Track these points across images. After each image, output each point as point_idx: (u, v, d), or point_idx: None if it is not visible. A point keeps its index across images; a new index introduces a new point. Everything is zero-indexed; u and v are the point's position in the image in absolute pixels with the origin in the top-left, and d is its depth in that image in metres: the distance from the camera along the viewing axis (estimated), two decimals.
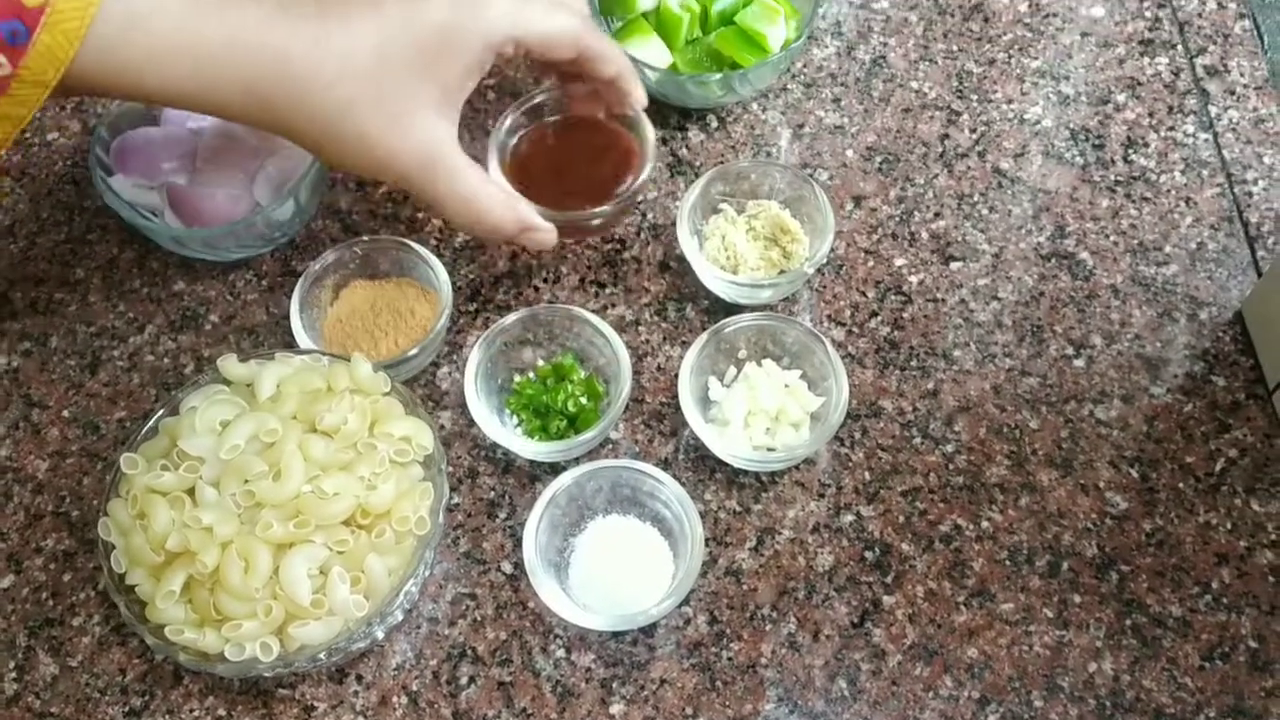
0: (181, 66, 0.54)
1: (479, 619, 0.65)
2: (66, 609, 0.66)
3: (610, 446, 0.70)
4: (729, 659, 0.63)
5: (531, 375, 0.71)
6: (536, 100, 0.74)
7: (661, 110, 0.82)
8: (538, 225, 0.66)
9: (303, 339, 0.69)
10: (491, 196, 0.63)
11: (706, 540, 0.65)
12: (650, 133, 0.72)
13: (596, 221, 0.73)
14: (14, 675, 0.64)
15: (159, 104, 0.59)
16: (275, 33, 0.55)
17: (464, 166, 0.61)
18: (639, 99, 0.69)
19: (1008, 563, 0.65)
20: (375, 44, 0.57)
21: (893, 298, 0.74)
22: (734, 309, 0.73)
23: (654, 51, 0.78)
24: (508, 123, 0.74)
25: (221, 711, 0.63)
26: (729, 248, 0.72)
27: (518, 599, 0.65)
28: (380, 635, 0.62)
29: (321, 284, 0.72)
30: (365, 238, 0.73)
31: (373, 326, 0.71)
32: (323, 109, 0.57)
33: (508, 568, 0.66)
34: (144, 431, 0.64)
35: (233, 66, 0.55)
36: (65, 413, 0.72)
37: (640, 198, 0.76)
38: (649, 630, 0.64)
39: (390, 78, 0.57)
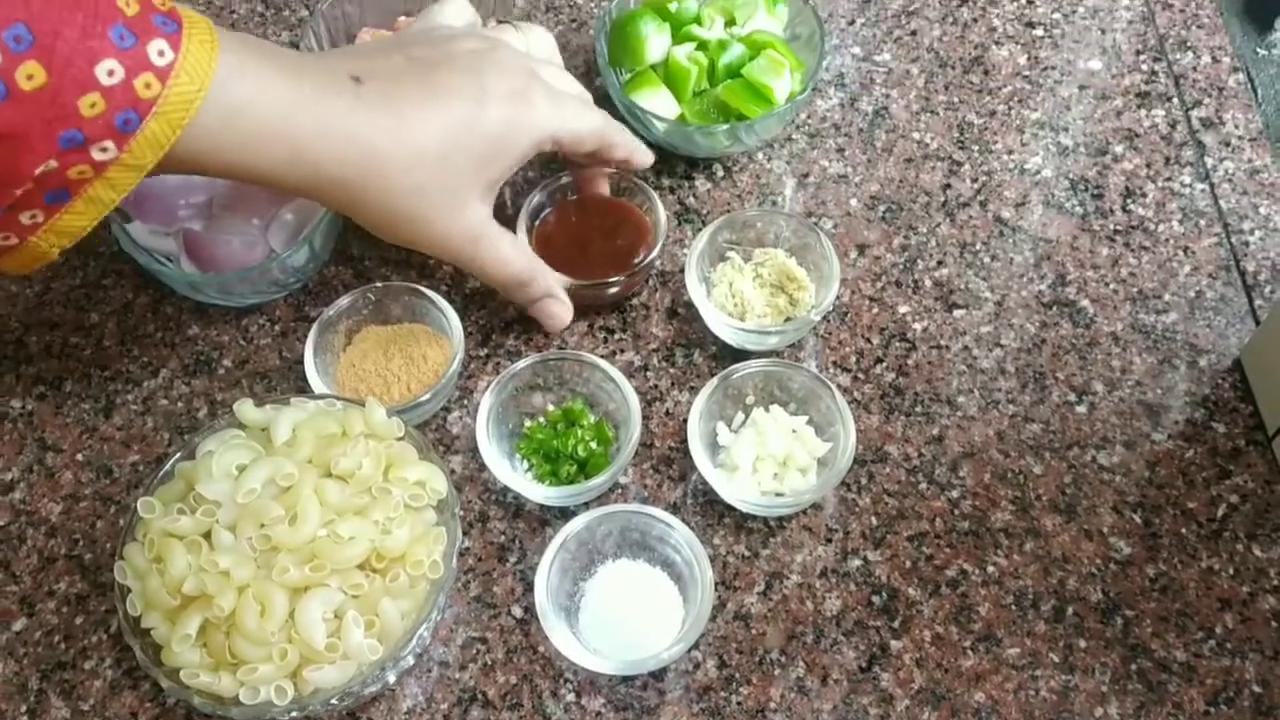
0: (277, 153, 0.58)
1: (489, 663, 0.65)
2: (79, 652, 0.66)
3: (619, 491, 0.70)
4: (738, 703, 0.63)
5: (542, 420, 0.72)
6: (561, 182, 0.78)
7: (669, 159, 0.83)
8: (558, 294, 0.74)
9: (317, 384, 0.70)
10: (521, 260, 0.71)
11: (715, 584, 0.66)
12: (662, 213, 0.76)
13: (613, 290, 0.75)
14: (25, 719, 0.64)
15: (246, 182, 0.62)
16: (360, 123, 0.60)
17: (499, 241, 0.69)
18: (644, 163, 0.76)
19: (1013, 607, 0.66)
20: (443, 138, 0.63)
21: (897, 344, 0.75)
22: (741, 355, 0.74)
23: (662, 102, 0.79)
24: (534, 202, 0.77)
25: None
26: (736, 295, 0.73)
27: (528, 643, 0.66)
28: (392, 679, 0.63)
29: (335, 329, 0.73)
30: (378, 284, 0.74)
31: (385, 371, 0.72)
32: (398, 191, 0.63)
33: (518, 611, 0.67)
34: (160, 475, 0.64)
35: (324, 154, 0.59)
36: (79, 456, 0.73)
37: (653, 269, 0.79)
38: (659, 674, 0.64)
39: (453, 168, 0.64)
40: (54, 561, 0.69)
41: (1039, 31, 0.90)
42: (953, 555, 0.67)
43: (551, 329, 0.75)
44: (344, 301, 0.73)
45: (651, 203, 0.76)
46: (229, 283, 0.73)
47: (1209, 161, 0.82)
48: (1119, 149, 0.83)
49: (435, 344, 0.73)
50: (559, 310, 0.74)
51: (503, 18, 0.82)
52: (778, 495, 0.68)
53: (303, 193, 0.62)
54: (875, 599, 0.66)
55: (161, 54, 0.52)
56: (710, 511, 0.69)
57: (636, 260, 0.74)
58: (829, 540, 0.68)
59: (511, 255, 0.70)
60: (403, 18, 0.85)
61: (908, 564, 0.67)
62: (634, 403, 0.69)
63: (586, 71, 0.89)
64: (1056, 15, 0.91)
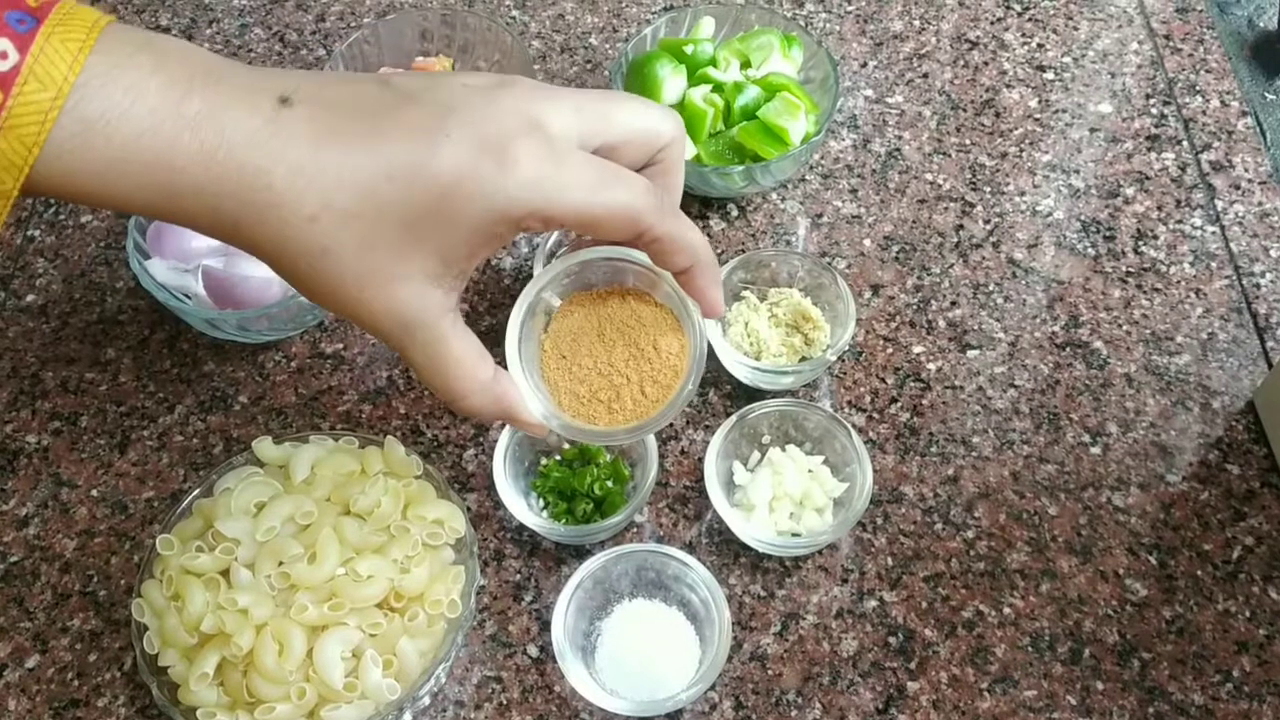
0: (146, 179, 0.46)
1: (505, 703, 0.65)
2: (92, 690, 0.66)
3: (635, 530, 0.70)
4: None
5: (558, 458, 0.72)
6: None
7: (684, 200, 0.83)
8: (522, 419, 0.54)
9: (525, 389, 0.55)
10: (471, 375, 0.52)
11: (731, 624, 0.66)
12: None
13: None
14: None
15: (129, 213, 0.52)
16: (258, 152, 0.47)
17: (446, 336, 0.51)
18: (713, 305, 0.55)
19: (1030, 649, 0.65)
20: (365, 186, 0.47)
21: (912, 384, 0.75)
22: (757, 394, 0.74)
23: None
24: (551, 240, 0.74)
25: None
26: (752, 334, 0.74)
27: (544, 682, 0.65)
28: (407, 719, 0.63)
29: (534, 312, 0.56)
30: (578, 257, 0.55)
31: (609, 368, 0.55)
32: (300, 243, 0.48)
33: (534, 651, 0.66)
34: (178, 512, 0.65)
35: (206, 185, 0.46)
36: (94, 492, 0.73)
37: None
38: (675, 715, 0.64)
39: (375, 228, 0.47)
40: (68, 598, 0.69)
41: (1049, 75, 0.91)
42: (969, 596, 0.67)
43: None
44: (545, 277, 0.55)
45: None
46: (247, 319, 0.74)
47: (1219, 204, 0.83)
48: (1130, 191, 0.84)
49: (658, 323, 0.55)
50: (530, 429, 0.56)
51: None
52: (794, 535, 0.68)
53: (198, 229, 0.49)
54: (891, 640, 0.66)
55: (5, 56, 0.43)
56: (726, 551, 0.69)
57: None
58: (845, 580, 0.68)
59: (455, 367, 0.51)
60: (420, 58, 0.86)
61: (924, 605, 0.67)
62: (650, 441, 0.69)
63: None
64: (1067, 59, 0.92)
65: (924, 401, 0.75)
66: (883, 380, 0.76)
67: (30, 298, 0.82)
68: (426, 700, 0.63)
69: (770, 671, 0.65)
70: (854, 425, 0.73)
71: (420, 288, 0.49)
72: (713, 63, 0.83)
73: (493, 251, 0.50)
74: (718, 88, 0.82)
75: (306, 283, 0.49)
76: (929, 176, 0.85)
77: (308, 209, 0.47)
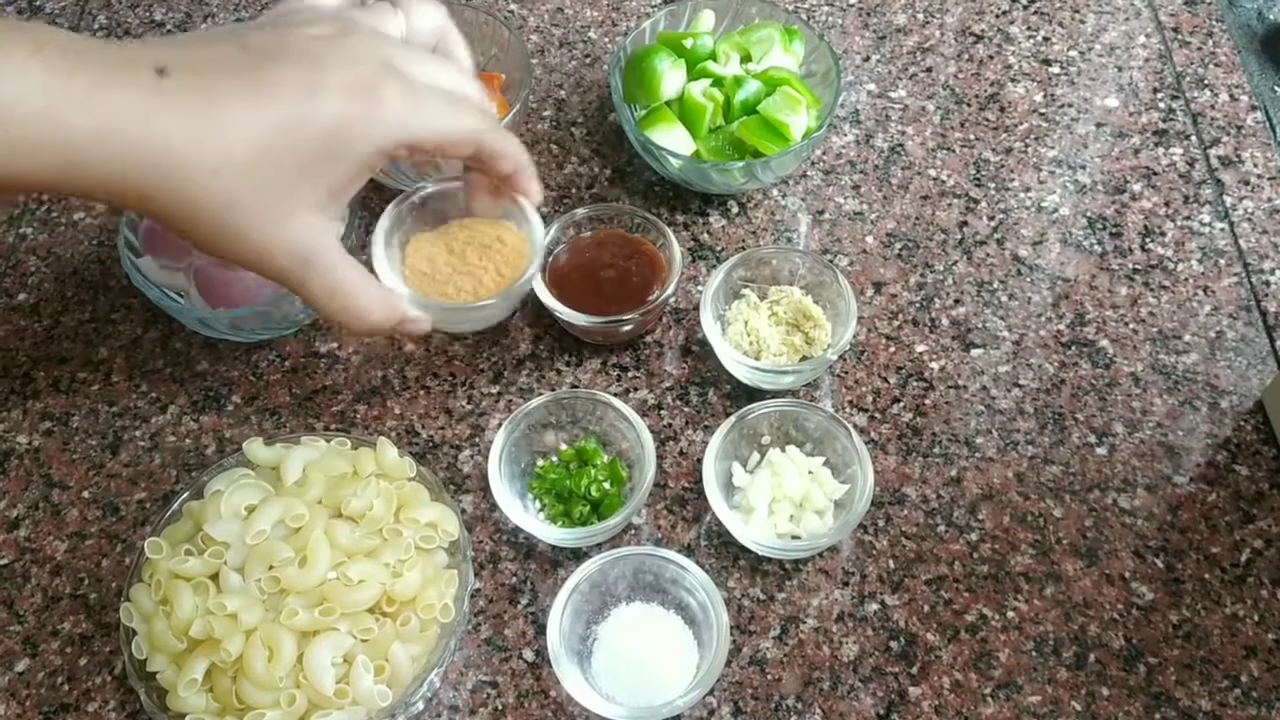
0: (45, 158, 0.50)
1: (500, 708, 0.64)
2: (82, 694, 0.65)
3: (633, 532, 0.69)
4: None
5: (554, 459, 0.71)
6: (575, 218, 0.77)
7: (683, 195, 0.83)
8: (413, 317, 0.63)
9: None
10: (367, 292, 0.60)
11: (730, 628, 0.65)
12: (677, 250, 0.75)
13: (627, 328, 0.74)
14: None
15: (27, 191, 0.56)
16: (154, 121, 0.51)
17: (340, 263, 0.58)
18: (535, 194, 0.67)
19: (1034, 653, 0.64)
20: (259, 140, 0.53)
21: (914, 384, 0.74)
22: (756, 394, 0.73)
23: (678, 139, 0.79)
24: (548, 238, 0.75)
25: None
26: (752, 333, 0.73)
27: (539, 687, 0.64)
28: None
29: (390, 244, 0.69)
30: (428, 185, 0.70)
31: (464, 267, 0.69)
32: (203, 202, 0.53)
33: (529, 655, 0.65)
34: (167, 515, 0.64)
35: (106, 158, 0.51)
36: (85, 493, 0.72)
37: (667, 307, 0.78)
38: None
39: (274, 174, 0.54)
40: (58, 601, 0.68)
41: (1055, 69, 0.90)
42: (972, 600, 0.66)
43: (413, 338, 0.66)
44: (386, 221, 0.69)
45: (666, 239, 0.75)
46: (240, 318, 0.73)
47: (1228, 200, 0.81)
48: (1137, 187, 0.82)
49: (502, 229, 0.69)
50: (415, 329, 0.64)
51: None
52: (794, 538, 0.67)
53: (97, 200, 0.54)
54: (893, 644, 0.65)
55: None
56: (725, 554, 0.68)
57: (651, 297, 0.73)
58: (846, 584, 0.67)
59: (352, 286, 0.59)
60: None
61: (926, 608, 0.66)
62: (648, 442, 0.68)
63: (601, 107, 0.89)
64: (1073, 53, 0.91)
65: (927, 401, 0.73)
66: (885, 380, 0.74)
67: (22, 296, 0.81)
68: (420, 705, 0.62)
69: (769, 676, 0.64)
70: (855, 425, 0.72)
71: (309, 218, 0.56)
72: (713, 57, 0.82)
73: (365, 179, 0.58)
74: (718, 82, 0.81)
75: (212, 236, 0.55)
76: (932, 172, 0.84)
77: (209, 164, 0.52)
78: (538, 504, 0.69)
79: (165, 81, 0.52)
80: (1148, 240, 0.80)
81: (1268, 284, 0.77)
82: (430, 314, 0.64)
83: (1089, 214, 0.81)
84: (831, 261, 0.78)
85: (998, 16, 0.94)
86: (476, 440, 0.73)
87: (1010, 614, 0.66)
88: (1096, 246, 0.80)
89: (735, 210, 0.83)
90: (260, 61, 0.55)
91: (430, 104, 0.58)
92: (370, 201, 0.84)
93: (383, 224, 0.68)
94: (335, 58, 0.56)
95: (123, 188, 0.52)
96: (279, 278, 0.58)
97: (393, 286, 0.65)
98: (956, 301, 0.78)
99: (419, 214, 0.70)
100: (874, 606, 0.66)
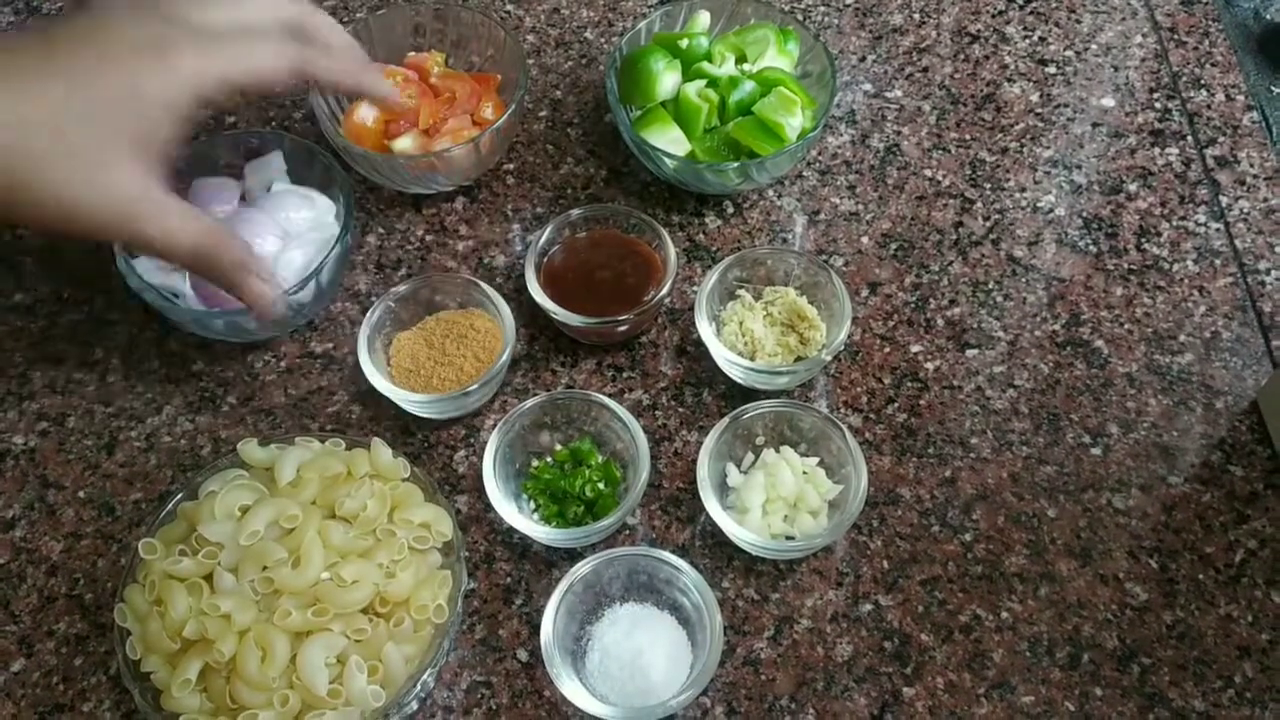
0: None
1: (494, 708, 0.64)
2: (77, 694, 0.65)
3: (627, 532, 0.69)
4: None
5: (549, 459, 0.71)
6: (571, 218, 0.77)
7: (679, 196, 0.83)
8: (253, 266, 0.65)
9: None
10: (193, 230, 0.62)
11: (724, 629, 0.65)
12: (671, 250, 0.75)
13: (622, 328, 0.74)
14: None
15: None
16: None
17: (165, 205, 0.61)
18: (381, 88, 0.72)
19: (1028, 654, 0.64)
20: (57, 103, 0.57)
21: (909, 384, 0.74)
22: (751, 395, 0.73)
23: (673, 140, 0.79)
24: (543, 239, 0.76)
25: None
26: (746, 334, 0.73)
27: (533, 687, 0.64)
28: None
29: (374, 347, 0.74)
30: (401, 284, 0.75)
31: (443, 357, 0.74)
32: (13, 170, 0.56)
33: (523, 655, 0.65)
34: (162, 515, 0.64)
35: None
36: (81, 494, 0.72)
37: (662, 307, 0.78)
38: None
39: (81, 134, 0.57)
40: (54, 601, 0.68)
41: (1051, 69, 0.90)
42: (966, 600, 0.66)
43: (262, 313, 0.67)
44: (374, 316, 0.74)
45: (661, 239, 0.76)
46: (235, 319, 0.73)
47: (1224, 200, 0.81)
48: (1133, 187, 0.82)
49: (473, 317, 0.75)
50: (260, 287, 0.66)
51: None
52: (788, 538, 0.67)
53: None
54: (887, 644, 0.65)
55: None
56: (719, 554, 0.68)
57: (646, 297, 0.74)
58: (840, 584, 0.67)
59: (181, 224, 0.61)
60: (412, 54, 0.85)
61: (920, 609, 0.66)
62: (642, 442, 0.68)
63: (597, 107, 0.89)
64: (1069, 53, 0.91)
65: (921, 402, 0.73)
66: (880, 380, 0.74)
67: (18, 296, 0.81)
68: (414, 706, 0.62)
69: (763, 677, 0.64)
70: (850, 426, 0.72)
71: (131, 170, 0.59)
72: (708, 57, 0.82)
73: (179, 132, 0.61)
74: (713, 82, 0.81)
75: (40, 207, 0.57)
76: (928, 173, 0.84)
77: (12, 136, 0.56)
78: (532, 504, 0.69)
79: None
80: (1143, 240, 0.80)
81: (1263, 284, 0.77)
82: (421, 409, 0.72)
83: (1085, 214, 0.81)
84: (826, 262, 0.78)
85: (994, 16, 0.94)
86: (471, 441, 0.73)
87: (1004, 614, 0.66)
88: (1092, 247, 0.80)
89: (730, 211, 0.83)
90: (57, 42, 0.59)
91: (228, 49, 0.61)
92: (366, 202, 0.84)
93: (364, 330, 0.73)
94: (123, 24, 0.60)
95: None
96: (112, 235, 0.64)
97: (386, 392, 0.71)
98: (951, 302, 0.78)
99: (394, 316, 0.75)
100: (868, 607, 0.66)
